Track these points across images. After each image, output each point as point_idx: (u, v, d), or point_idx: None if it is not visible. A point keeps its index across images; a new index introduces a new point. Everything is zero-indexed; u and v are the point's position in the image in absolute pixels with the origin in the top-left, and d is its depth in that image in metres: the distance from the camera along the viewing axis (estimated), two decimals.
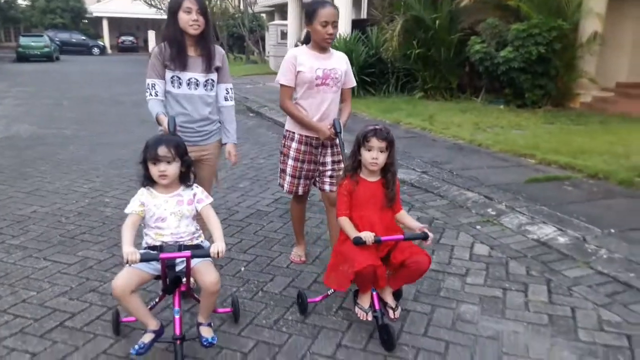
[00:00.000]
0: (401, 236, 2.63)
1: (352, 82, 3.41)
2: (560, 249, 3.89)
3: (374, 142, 2.62)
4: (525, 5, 9.38)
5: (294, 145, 3.31)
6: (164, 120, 2.81)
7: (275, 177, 5.99)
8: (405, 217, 2.83)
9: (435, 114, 9.53)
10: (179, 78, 2.97)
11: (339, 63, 3.28)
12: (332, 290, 2.85)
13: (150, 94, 2.97)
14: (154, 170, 2.37)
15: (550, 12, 9.44)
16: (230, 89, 3.22)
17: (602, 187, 5.44)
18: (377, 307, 2.62)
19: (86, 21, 45.57)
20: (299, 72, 3.18)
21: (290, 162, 3.35)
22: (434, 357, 2.59)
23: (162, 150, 2.35)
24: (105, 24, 44.83)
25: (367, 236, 2.51)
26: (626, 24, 10.83)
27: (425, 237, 2.59)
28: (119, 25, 44.97)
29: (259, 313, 2.95)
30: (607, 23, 10.20)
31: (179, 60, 2.93)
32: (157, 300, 2.66)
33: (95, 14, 44.57)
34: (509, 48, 9.36)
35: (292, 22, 17.46)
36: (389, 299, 2.75)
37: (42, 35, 31.09)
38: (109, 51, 42.20)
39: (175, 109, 3.00)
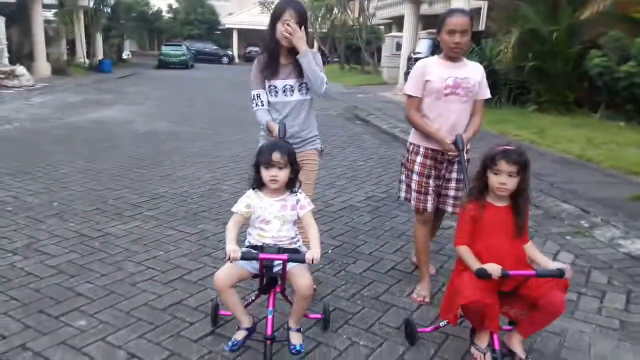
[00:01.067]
0: (533, 272, 2.29)
1: (486, 94, 3.16)
2: None
3: (503, 166, 2.32)
4: None
5: (419, 159, 3.15)
6: (275, 128, 2.89)
7: (370, 178, 6.45)
8: (533, 250, 2.47)
9: (546, 127, 9.30)
10: (275, 87, 3.04)
11: (473, 73, 3.08)
12: (445, 322, 2.64)
13: (257, 104, 3.07)
14: (266, 174, 2.41)
15: None
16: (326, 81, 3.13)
17: None
18: (496, 346, 2.37)
19: (218, 32, 49.42)
20: (427, 81, 3.03)
21: (415, 177, 3.17)
22: None
23: (276, 156, 2.39)
24: (235, 35, 48.36)
25: (494, 269, 2.21)
26: None
27: (560, 275, 2.21)
28: (246, 36, 48.15)
29: (339, 287, 3.39)
30: None
31: (271, 67, 3.01)
32: (253, 298, 2.72)
33: (227, 26, 48.26)
34: (631, 62, 8.89)
35: (408, 33, 17.69)
36: (518, 348, 2.44)
37: (180, 45, 34.26)
38: (237, 60, 45.33)
39: (273, 117, 3.06)
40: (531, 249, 2.47)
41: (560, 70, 10.37)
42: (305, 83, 3.04)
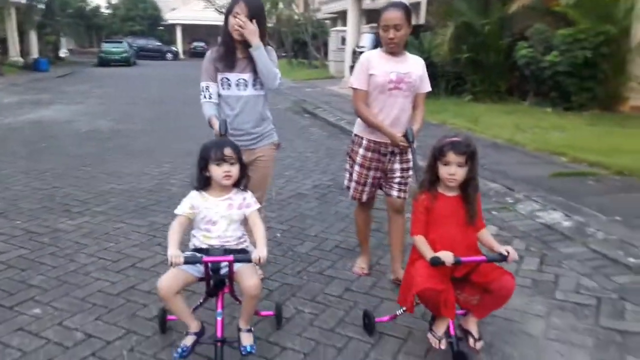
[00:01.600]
0: (483, 257, 2.39)
1: (427, 87, 3.24)
2: (563, 231, 4.31)
3: (451, 157, 2.38)
4: (572, 11, 9.56)
5: (362, 151, 3.22)
6: (216, 124, 2.86)
7: (318, 168, 6.73)
8: (487, 236, 2.55)
9: (480, 115, 9.88)
10: (228, 79, 3.03)
11: (414, 67, 3.13)
12: (402, 310, 2.69)
13: (204, 97, 3.04)
14: (219, 171, 2.37)
15: (599, 17, 9.55)
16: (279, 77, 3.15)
17: (624, 182, 5.72)
18: (452, 332, 2.44)
19: (162, 28, 48.41)
20: (371, 75, 3.07)
21: (357, 168, 3.26)
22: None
23: (228, 152, 2.37)
24: (178, 30, 47.54)
25: (446, 256, 2.29)
26: None
27: (504, 259, 2.35)
28: (191, 31, 47.43)
29: (286, 265, 3.64)
30: None
31: (226, 61, 3.00)
32: (200, 301, 2.66)
33: (170, 21, 47.35)
34: (554, 52, 9.58)
35: (351, 28, 18.08)
36: (473, 328, 2.54)
37: (122, 42, 33.37)
38: (182, 56, 44.58)
39: (226, 111, 3.05)
40: (486, 235, 2.53)
41: (493, 61, 11.01)
42: (260, 79, 3.03)
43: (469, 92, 11.42)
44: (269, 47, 3.08)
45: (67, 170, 6.17)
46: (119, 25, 44.97)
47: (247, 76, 3.03)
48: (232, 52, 3.02)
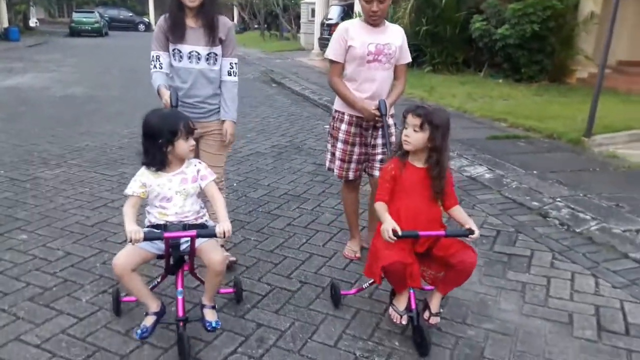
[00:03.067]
0: (442, 232, 2.33)
1: (408, 58, 3.13)
2: (483, 181, 4.98)
3: (409, 119, 2.34)
4: None
5: (344, 127, 3.10)
6: (166, 94, 2.73)
7: (278, 131, 7.26)
8: (459, 214, 2.46)
9: (437, 85, 10.48)
10: (180, 51, 2.87)
11: (394, 37, 3.01)
12: (368, 284, 2.73)
13: (155, 66, 2.90)
14: (185, 145, 2.24)
15: None
16: (235, 63, 3.03)
17: (552, 144, 6.43)
18: (413, 306, 2.42)
19: None
20: (349, 46, 2.95)
21: (340, 145, 3.14)
22: None
23: (191, 124, 2.28)
24: (151, 1, 46.74)
25: (385, 230, 2.23)
26: (627, 6, 11.38)
27: (467, 234, 2.31)
28: (163, 2, 46.60)
29: (239, 207, 4.23)
30: (608, 4, 10.83)
31: (176, 32, 2.83)
32: (158, 280, 2.59)
33: None
34: (506, 26, 10.20)
35: (320, 0, 18.43)
36: (434, 304, 2.50)
37: (93, 12, 32.94)
38: (154, 27, 43.80)
39: (177, 83, 2.92)
40: (458, 211, 2.47)
41: (450, 33, 11.57)
42: (215, 53, 2.91)
43: (428, 63, 12.00)
44: (228, 22, 2.99)
45: (44, 130, 6.62)
46: None
47: (201, 49, 2.87)
48: (180, 21, 2.83)
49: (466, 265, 2.37)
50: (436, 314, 2.50)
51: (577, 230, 3.89)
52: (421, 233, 2.30)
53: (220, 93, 3.03)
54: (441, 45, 11.75)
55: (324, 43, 15.21)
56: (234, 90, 3.05)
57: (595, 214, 4.12)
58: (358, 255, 3.38)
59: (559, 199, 4.43)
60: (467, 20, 11.40)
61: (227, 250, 3.16)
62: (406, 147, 2.38)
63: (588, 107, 6.34)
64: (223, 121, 3.04)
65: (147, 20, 43.21)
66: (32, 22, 32.56)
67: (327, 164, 3.30)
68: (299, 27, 25.30)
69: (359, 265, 3.28)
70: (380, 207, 2.38)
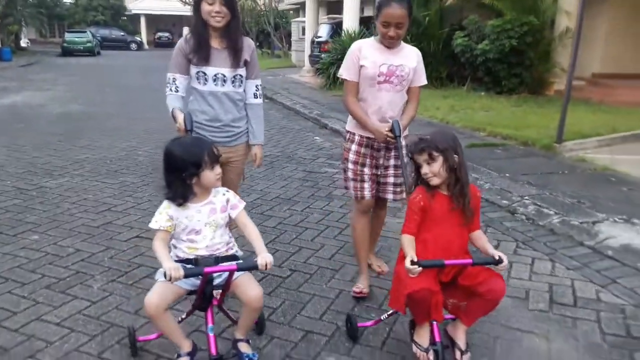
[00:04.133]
0: (469, 260, 2.22)
1: (423, 80, 3.04)
2: None
3: (417, 158, 2.28)
4: (499, 3, 10.70)
5: (354, 147, 3.03)
6: (180, 116, 2.60)
7: (270, 142, 7.59)
8: (480, 238, 2.38)
9: (422, 99, 10.63)
10: (205, 74, 2.78)
11: (408, 59, 2.93)
12: (387, 315, 2.64)
13: (170, 89, 2.81)
14: (212, 175, 2.13)
15: (524, 9, 10.70)
16: (260, 85, 2.99)
17: (526, 150, 6.85)
18: (437, 339, 2.28)
19: (125, 18, 48.15)
20: (361, 66, 2.88)
21: (350, 165, 3.05)
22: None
23: (216, 150, 2.17)
24: (142, 20, 47.41)
25: (410, 269, 2.12)
26: (599, 22, 12.00)
27: (497, 262, 2.18)
28: (155, 21, 47.37)
29: None
30: (583, 20, 11.40)
31: (201, 53, 2.74)
32: (183, 317, 2.46)
33: (133, 11, 47.16)
34: (485, 41, 10.70)
35: (310, 18, 18.96)
36: (460, 339, 2.39)
37: (85, 32, 33.36)
38: (146, 46, 44.50)
39: (202, 107, 2.82)
40: (479, 236, 2.38)
41: (434, 49, 12.07)
42: (240, 75, 2.85)
43: None
44: (252, 43, 2.93)
45: (44, 144, 6.95)
46: (81, 15, 44.54)
47: (227, 71, 2.80)
48: (205, 42, 2.75)
49: (495, 294, 2.27)
50: (466, 351, 2.38)
51: (541, 224, 4.28)
52: (447, 262, 2.17)
53: (244, 115, 2.95)
54: (426, 60, 12.19)
55: (314, 60, 15.68)
56: (260, 113, 3.01)
57: (558, 209, 4.51)
58: (366, 290, 3.10)
59: (527, 197, 4.82)
60: (449, 37, 11.90)
61: None
62: (433, 182, 2.26)
63: (567, 119, 6.77)
64: (251, 145, 3.01)
65: (139, 39, 43.78)
66: (24, 42, 32.94)
67: (344, 183, 3.20)
68: (290, 45, 25.90)
69: (344, 255, 3.63)
70: (408, 241, 2.26)
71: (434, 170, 2.24)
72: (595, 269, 3.51)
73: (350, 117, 3.06)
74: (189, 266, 2.11)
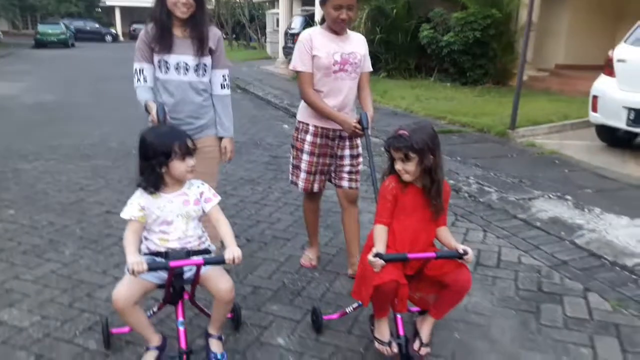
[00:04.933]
0: (433, 254, 2.22)
1: (370, 67, 3.08)
2: None
3: (393, 153, 2.22)
4: None
5: (309, 138, 2.99)
6: (153, 108, 2.53)
7: (239, 130, 7.89)
8: (446, 235, 2.35)
9: (389, 89, 11.33)
10: (167, 62, 2.70)
11: (358, 46, 2.96)
12: (352, 307, 2.63)
13: (138, 80, 2.72)
14: (183, 166, 2.09)
15: (487, 2, 11.17)
16: (227, 75, 2.90)
17: (481, 136, 7.30)
18: (401, 332, 2.30)
19: (99, 10, 47.63)
20: (314, 56, 2.85)
21: (305, 157, 3.03)
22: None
23: (190, 143, 2.13)
24: (117, 12, 46.91)
25: (373, 262, 2.11)
26: (562, 15, 12.52)
27: (460, 256, 2.18)
28: (130, 13, 46.81)
29: None
30: (545, 13, 11.92)
31: (163, 41, 2.67)
32: (154, 310, 2.46)
33: (108, 3, 46.62)
34: (450, 33, 11.16)
35: (283, 10, 19.22)
36: (425, 332, 2.38)
37: (58, 23, 33.02)
38: (121, 39, 44.12)
39: (164, 98, 2.73)
40: (444, 232, 2.36)
41: (402, 41, 12.48)
42: (205, 64, 2.76)
43: (383, 69, 12.87)
44: (218, 31, 2.86)
45: (19, 132, 7.19)
46: (55, 7, 43.88)
47: (189, 59, 2.72)
48: (168, 31, 2.68)
49: (462, 284, 2.26)
50: (427, 344, 2.37)
51: (481, 200, 4.70)
52: (410, 255, 2.17)
53: (209, 106, 2.86)
54: (394, 52, 12.64)
55: (288, 51, 15.98)
56: (228, 104, 2.93)
57: (498, 188, 4.94)
58: (314, 263, 3.34)
59: (471, 178, 5.25)
60: (417, 29, 12.33)
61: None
62: (405, 178, 2.23)
63: (524, 107, 7.22)
64: (220, 138, 2.93)
65: (114, 31, 43.38)
66: None
67: (290, 177, 3.18)
68: (265, 37, 26.10)
69: (297, 228, 4.00)
70: (382, 231, 2.24)
71: (408, 169, 2.20)
72: (522, 237, 3.93)
73: (301, 106, 3.04)
74: (158, 259, 2.11)
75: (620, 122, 5.95)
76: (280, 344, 2.54)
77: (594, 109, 6.32)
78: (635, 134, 6.18)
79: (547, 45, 12.53)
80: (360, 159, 3.11)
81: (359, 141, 3.08)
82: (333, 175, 3.12)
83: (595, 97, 6.30)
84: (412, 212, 2.27)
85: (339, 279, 3.21)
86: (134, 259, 1.95)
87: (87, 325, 2.62)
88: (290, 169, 3.18)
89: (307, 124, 3.02)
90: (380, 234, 2.24)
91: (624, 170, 5.68)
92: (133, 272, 1.92)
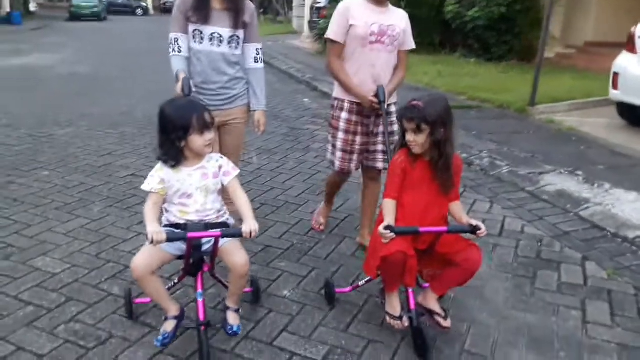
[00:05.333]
0: (444, 228, 2.23)
1: (411, 44, 3.02)
2: None
3: (405, 124, 2.22)
4: None
5: (344, 115, 2.95)
6: (181, 79, 2.57)
7: None
8: (458, 210, 2.37)
9: (412, 65, 11.15)
10: (201, 32, 2.70)
11: (398, 20, 2.89)
12: (364, 281, 2.61)
13: (174, 50, 2.73)
14: (200, 140, 2.09)
15: None
16: (260, 49, 2.91)
17: (500, 112, 7.32)
18: (412, 306, 2.31)
19: None
20: (351, 25, 2.80)
21: (340, 135, 2.98)
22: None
23: (208, 117, 2.12)
24: None
25: (383, 234, 2.13)
26: None
27: (473, 231, 2.18)
28: None
29: None
30: None
31: (200, 12, 2.67)
32: (175, 281, 2.51)
33: None
34: (475, 8, 11.03)
35: None
36: (435, 307, 2.38)
37: None
38: (152, 12, 44.53)
39: (197, 68, 2.75)
40: (457, 207, 2.36)
41: (426, 16, 12.37)
42: (238, 36, 2.78)
43: None
44: (252, 5, 2.87)
45: (54, 100, 7.57)
46: None
47: (224, 31, 2.73)
48: (206, 2, 2.70)
49: (472, 263, 2.26)
50: (446, 315, 2.37)
51: (491, 173, 4.81)
52: (421, 229, 2.18)
53: (243, 78, 2.89)
54: (419, 27, 12.51)
55: (313, 26, 15.99)
56: (262, 78, 2.95)
57: (510, 162, 5.04)
58: (322, 228, 3.47)
59: (485, 152, 5.35)
60: (442, 3, 12.20)
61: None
62: (415, 150, 2.24)
63: (547, 84, 7.20)
64: (253, 111, 2.95)
65: (145, 4, 43.76)
66: (33, 7, 33.20)
67: (329, 156, 3.14)
68: (292, 11, 26.04)
69: (309, 194, 4.20)
70: (390, 205, 2.27)
71: (419, 140, 2.20)
72: (528, 209, 4.05)
73: (337, 83, 2.98)
74: (177, 231, 2.13)
75: None
76: (286, 295, 2.77)
77: (615, 87, 6.27)
78: None
79: (576, 22, 12.30)
80: (396, 137, 2.88)
81: (394, 118, 2.92)
82: (367, 155, 3.07)
83: (616, 74, 6.25)
84: (421, 185, 2.28)
85: (344, 242, 3.41)
86: (154, 229, 1.98)
87: (111, 273, 2.90)
88: (329, 147, 3.12)
89: (343, 101, 2.97)
90: (389, 207, 2.26)
91: None
92: (152, 242, 1.95)
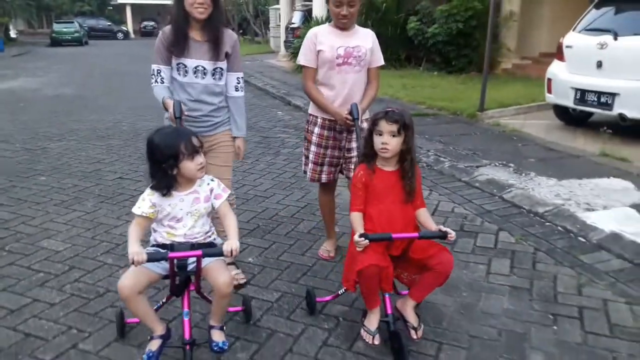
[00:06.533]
0: (416, 234, 2.31)
1: (380, 61, 3.16)
2: None
3: (384, 126, 2.31)
4: None
5: (317, 130, 3.15)
6: (170, 105, 2.60)
7: None
8: (425, 217, 2.46)
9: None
10: (185, 65, 2.78)
11: (363, 40, 3.05)
12: (344, 290, 2.64)
13: (156, 81, 2.81)
14: (192, 165, 2.13)
15: None
16: (241, 78, 3.00)
17: (453, 118, 8.09)
18: (388, 311, 2.38)
19: (111, 8, 48.86)
20: (319, 51, 3.00)
21: (313, 148, 3.18)
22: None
23: (196, 141, 2.16)
24: (128, 10, 48.10)
25: (358, 242, 2.23)
26: (544, 5, 13.22)
27: (443, 236, 2.27)
28: (141, 11, 47.99)
29: None
30: (528, 4, 12.64)
31: (180, 46, 2.73)
32: (163, 301, 2.53)
33: (119, 1, 47.83)
34: (435, 25, 11.96)
35: (284, 6, 20.09)
36: (411, 316, 2.47)
37: (72, 22, 34.27)
38: (132, 36, 45.18)
39: (181, 97, 2.80)
40: (424, 214, 2.45)
41: (392, 33, 13.27)
42: (221, 68, 2.85)
43: None
44: (234, 35, 2.94)
45: (42, 119, 8.19)
46: (69, 6, 45.15)
47: (207, 64, 2.80)
48: (184, 35, 2.75)
49: (445, 266, 2.36)
50: (419, 326, 2.47)
51: (435, 168, 5.54)
52: (394, 235, 2.26)
53: (225, 106, 2.97)
54: (385, 44, 13.38)
55: (288, 45, 16.83)
56: (242, 106, 3.05)
57: (452, 158, 5.77)
58: (332, 254, 3.46)
59: (432, 151, 6.08)
60: (406, 21, 13.12)
61: (237, 268, 3.15)
62: (385, 154, 2.34)
63: (493, 91, 7.98)
64: (234, 138, 3.04)
65: (125, 28, 44.50)
66: (13, 33, 33.72)
67: (303, 167, 3.36)
68: (269, 32, 26.96)
69: (277, 189, 4.87)
70: (356, 217, 2.38)
71: (393, 144, 2.29)
72: (460, 194, 4.76)
73: (311, 101, 3.17)
74: (162, 251, 2.16)
75: (568, 101, 6.74)
76: (250, 261, 3.42)
77: (549, 91, 7.11)
78: (589, 114, 6.97)
79: (531, 35, 13.23)
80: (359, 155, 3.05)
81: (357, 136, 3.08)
82: (343, 166, 3.24)
83: (549, 80, 7.09)
84: (384, 196, 2.39)
85: (302, 223, 4.07)
86: (134, 249, 2.02)
87: (106, 249, 3.53)
88: (303, 159, 3.34)
89: (316, 117, 3.17)
90: (357, 219, 2.38)
91: (572, 144, 6.45)
92: (133, 262, 1.99)
